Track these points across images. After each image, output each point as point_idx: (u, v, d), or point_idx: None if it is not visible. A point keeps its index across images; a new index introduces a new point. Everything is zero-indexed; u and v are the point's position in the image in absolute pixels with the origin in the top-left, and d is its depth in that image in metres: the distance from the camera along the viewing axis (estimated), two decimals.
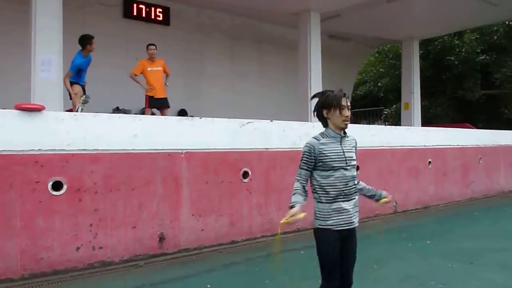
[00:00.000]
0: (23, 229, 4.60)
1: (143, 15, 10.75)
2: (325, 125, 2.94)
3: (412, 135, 9.62)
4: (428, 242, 6.45)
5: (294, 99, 10.85)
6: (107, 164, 5.17)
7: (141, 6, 10.70)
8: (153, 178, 5.53)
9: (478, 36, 19.12)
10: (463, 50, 18.66)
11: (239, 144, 6.38)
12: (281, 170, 6.87)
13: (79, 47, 7.25)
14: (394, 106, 21.01)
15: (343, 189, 2.83)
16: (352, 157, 2.90)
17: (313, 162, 2.86)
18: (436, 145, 9.96)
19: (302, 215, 2.73)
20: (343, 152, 2.86)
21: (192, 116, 7.01)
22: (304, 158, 2.90)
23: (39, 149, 4.72)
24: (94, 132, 5.12)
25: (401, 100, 14.45)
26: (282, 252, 5.95)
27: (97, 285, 4.65)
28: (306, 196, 2.89)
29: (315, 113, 2.97)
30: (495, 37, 18.95)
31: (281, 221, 2.72)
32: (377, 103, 22.35)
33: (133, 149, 5.38)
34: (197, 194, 5.91)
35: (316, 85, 10.05)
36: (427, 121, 17.38)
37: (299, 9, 10.07)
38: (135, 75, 8.19)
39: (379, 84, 23.06)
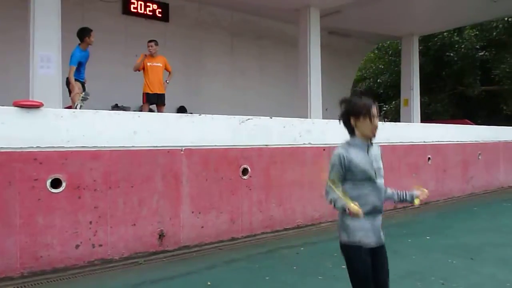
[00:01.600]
0: (22, 227, 4.59)
1: (142, 11, 10.71)
2: (351, 133, 2.75)
3: (412, 131, 9.60)
4: (428, 237, 6.45)
5: (295, 95, 10.83)
6: (107, 161, 5.16)
7: (140, 2, 10.66)
8: (152, 175, 5.52)
9: (477, 32, 19.13)
10: (462, 46, 18.67)
11: (239, 141, 6.36)
12: (282, 166, 6.86)
13: (78, 41, 7.21)
14: (393, 102, 21.02)
15: (374, 202, 2.65)
16: (380, 167, 2.72)
17: (343, 173, 2.66)
18: (436, 141, 9.95)
19: (360, 211, 2.51)
20: (371, 162, 2.68)
21: (191, 113, 6.99)
22: (334, 170, 2.68)
23: (38, 146, 4.70)
24: (94, 129, 5.10)
25: (401, 97, 14.43)
26: (283, 249, 5.93)
27: (97, 282, 4.64)
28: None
29: (341, 120, 2.78)
30: (495, 33, 18.94)
31: (355, 211, 2.50)
32: (376, 99, 22.31)
33: (133, 146, 5.36)
34: (197, 191, 5.90)
35: (316, 81, 10.04)
36: (426, 117, 17.39)
37: (299, 5, 10.03)
38: (138, 70, 8.22)
39: (378, 80, 23.07)
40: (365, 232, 2.64)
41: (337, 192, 2.64)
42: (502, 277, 4.64)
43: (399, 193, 2.89)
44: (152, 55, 8.20)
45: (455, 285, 4.43)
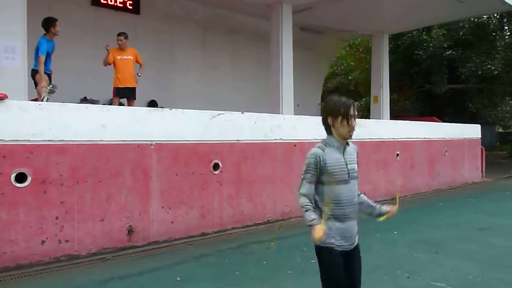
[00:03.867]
0: None
1: (112, 2, 10.46)
2: (329, 132, 2.69)
3: (381, 128, 9.78)
4: (395, 232, 6.59)
5: (266, 90, 10.84)
6: (74, 155, 5.05)
7: None
8: (121, 170, 5.43)
9: (445, 32, 19.58)
10: (431, 45, 19.08)
11: (210, 136, 6.34)
12: (253, 161, 6.87)
13: (43, 31, 7.01)
14: (364, 99, 21.32)
15: (346, 204, 2.60)
16: (354, 169, 2.67)
17: (318, 174, 2.60)
18: (404, 138, 10.17)
19: (323, 237, 2.49)
20: (346, 164, 2.62)
21: (162, 107, 6.91)
22: (309, 170, 2.61)
23: (2, 140, 4.56)
24: (61, 122, 4.98)
25: (371, 94, 14.65)
26: (253, 244, 5.95)
27: (63, 279, 4.54)
28: (317, 212, 2.62)
29: (321, 118, 2.74)
30: (461, 33, 19.44)
31: (316, 238, 2.47)
32: (347, 96, 22.63)
33: (101, 140, 5.27)
34: (167, 186, 5.85)
35: (288, 77, 10.07)
36: (395, 114, 17.71)
37: (271, 0, 10.04)
38: (109, 64, 8.05)
39: (349, 77, 23.37)
40: (339, 235, 2.60)
41: (309, 203, 2.60)
42: (465, 270, 4.80)
43: (369, 204, 2.84)
44: (121, 48, 8.04)
45: (420, 278, 4.55)
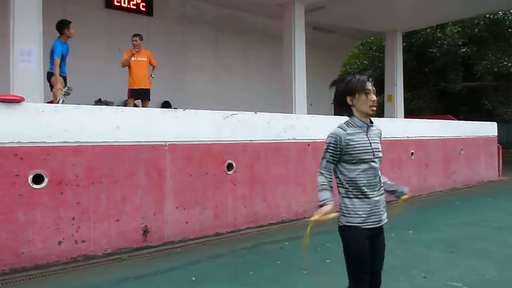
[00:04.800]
0: (3, 223, 4.52)
1: (126, 5, 10.57)
2: (350, 113, 2.68)
3: (395, 126, 9.69)
4: (410, 232, 6.53)
5: (279, 90, 10.84)
6: (89, 156, 5.10)
7: None
8: (136, 171, 5.47)
9: (459, 29, 19.34)
10: (445, 42, 18.87)
11: (223, 136, 6.35)
12: (266, 161, 6.87)
13: (57, 34, 7.10)
14: (377, 98, 21.17)
15: (372, 183, 2.61)
16: (378, 148, 2.67)
17: (338, 154, 2.60)
18: (419, 137, 10.07)
19: (333, 214, 2.53)
20: (370, 143, 2.62)
21: (176, 108, 6.95)
22: (329, 150, 2.61)
23: (19, 142, 4.62)
24: (76, 124, 5.04)
25: (385, 92, 14.54)
26: (267, 244, 5.95)
27: (80, 279, 4.59)
28: (332, 191, 2.65)
29: (336, 102, 2.72)
30: (476, 30, 19.18)
31: (311, 219, 2.49)
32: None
33: (116, 141, 5.31)
34: (181, 187, 5.88)
35: (301, 77, 10.05)
36: (409, 113, 17.57)
37: (283, 0, 10.03)
38: (126, 66, 8.13)
39: None
40: (363, 213, 2.59)
41: (324, 182, 2.63)
42: (482, 270, 4.73)
43: (391, 184, 2.86)
44: (136, 50, 8.11)
45: (437, 278, 4.50)
